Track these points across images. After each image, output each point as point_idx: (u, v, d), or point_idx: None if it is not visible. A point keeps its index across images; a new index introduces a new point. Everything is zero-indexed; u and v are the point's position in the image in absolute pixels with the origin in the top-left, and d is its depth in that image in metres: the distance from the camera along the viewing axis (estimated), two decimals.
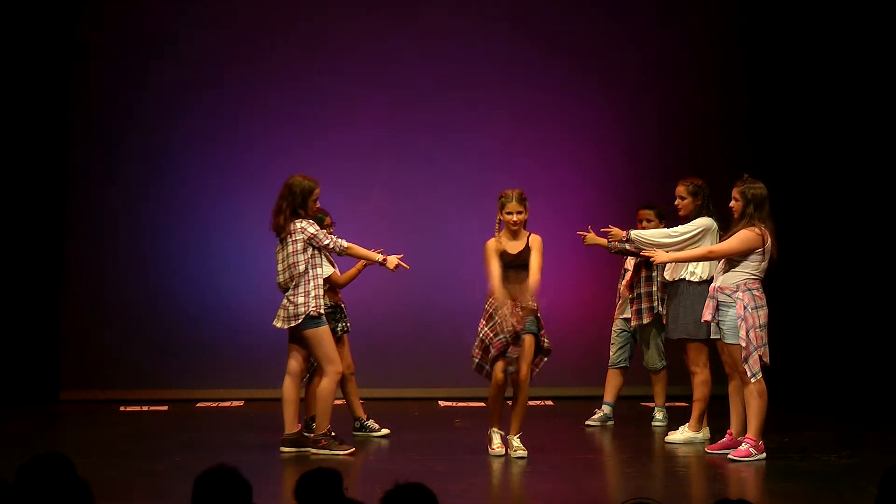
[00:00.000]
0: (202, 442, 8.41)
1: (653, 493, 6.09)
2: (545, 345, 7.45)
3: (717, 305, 7.32)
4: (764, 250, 7.29)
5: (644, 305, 8.55)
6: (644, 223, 8.62)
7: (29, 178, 9.70)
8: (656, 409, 8.83)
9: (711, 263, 7.74)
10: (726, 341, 7.31)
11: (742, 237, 7.27)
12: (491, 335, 7.30)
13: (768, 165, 10.12)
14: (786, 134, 10.33)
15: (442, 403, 9.83)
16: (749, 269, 7.28)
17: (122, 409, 9.53)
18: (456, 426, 8.82)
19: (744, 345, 7.16)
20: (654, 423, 8.74)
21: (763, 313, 7.25)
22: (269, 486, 6.14)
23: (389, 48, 10.31)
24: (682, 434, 7.98)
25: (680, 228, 7.92)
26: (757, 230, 7.27)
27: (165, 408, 9.48)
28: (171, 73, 10.13)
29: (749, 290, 7.23)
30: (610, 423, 8.73)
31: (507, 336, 7.24)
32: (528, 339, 7.31)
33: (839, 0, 10.09)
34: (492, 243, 7.45)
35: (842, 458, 7.20)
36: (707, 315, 7.38)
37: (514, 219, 7.37)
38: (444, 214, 10.20)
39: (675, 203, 8.09)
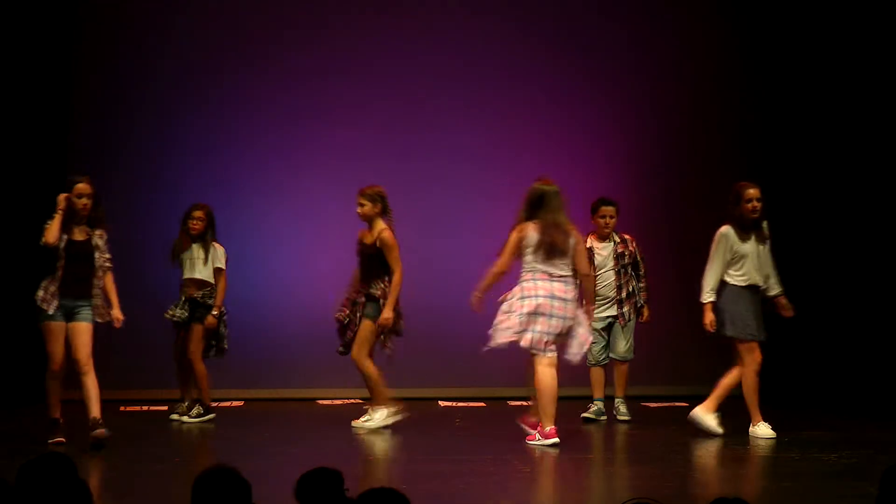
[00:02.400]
0: (203, 442, 8.42)
1: (653, 493, 6.09)
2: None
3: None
4: (526, 244, 7.73)
5: (640, 303, 8.96)
6: (608, 219, 8.82)
7: (29, 179, 9.70)
8: (621, 401, 8.89)
9: (755, 267, 8.09)
10: None
11: (507, 245, 7.85)
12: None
13: (768, 164, 10.12)
14: (786, 133, 10.33)
15: (442, 403, 9.83)
16: (524, 264, 7.80)
17: (122, 409, 9.53)
18: (456, 425, 8.81)
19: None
20: (620, 417, 8.82)
21: (528, 303, 7.70)
22: (268, 486, 6.13)
23: (389, 48, 10.32)
24: (763, 429, 8.12)
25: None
26: (516, 230, 7.79)
27: (165, 408, 9.47)
28: (170, 75, 10.14)
29: (520, 282, 7.80)
30: (603, 417, 8.91)
31: (342, 318, 8.23)
32: (365, 324, 8.22)
33: (839, 2, 10.10)
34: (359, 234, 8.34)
35: (842, 458, 7.20)
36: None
37: (357, 210, 8.26)
38: (444, 214, 10.20)
39: (752, 206, 8.08)
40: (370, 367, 8.29)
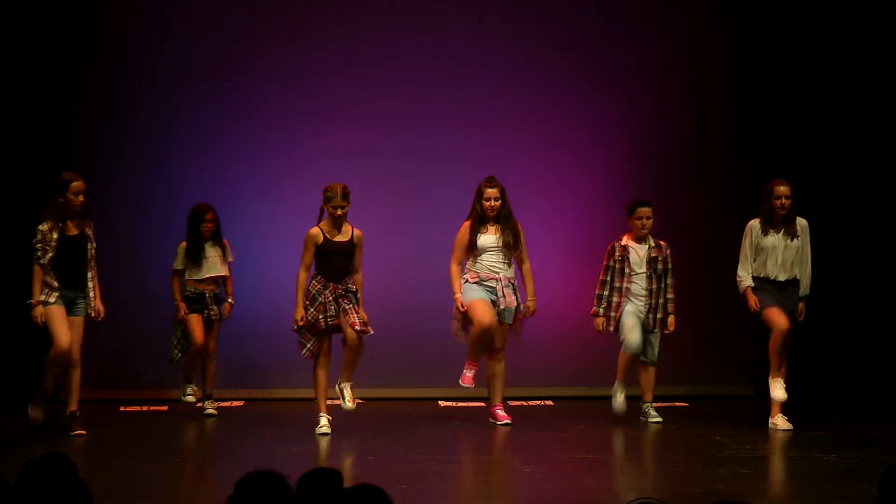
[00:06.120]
0: (203, 442, 8.43)
1: (653, 492, 6.09)
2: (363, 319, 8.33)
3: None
4: None
5: (668, 311, 8.84)
6: (644, 220, 8.73)
7: (29, 178, 9.70)
8: (649, 405, 8.84)
9: (775, 261, 8.39)
10: (510, 321, 8.59)
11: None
12: (318, 316, 8.16)
13: (770, 163, 10.11)
14: (789, 132, 10.31)
15: (442, 403, 9.83)
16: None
17: (122, 409, 9.54)
18: (456, 426, 8.79)
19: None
20: (652, 420, 8.76)
21: None
22: None
23: (389, 48, 10.31)
24: (777, 391, 8.38)
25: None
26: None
27: (165, 408, 9.48)
28: (170, 75, 10.13)
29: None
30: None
31: (330, 319, 8.15)
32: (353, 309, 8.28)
33: (840, 2, 10.10)
34: (314, 232, 8.31)
35: (842, 459, 7.20)
36: (513, 301, 8.57)
37: (339, 213, 8.23)
38: (443, 214, 10.18)
39: (781, 202, 8.37)
40: None
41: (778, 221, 8.42)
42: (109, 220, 10.01)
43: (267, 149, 10.20)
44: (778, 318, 8.37)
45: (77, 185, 8.04)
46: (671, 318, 8.85)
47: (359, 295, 8.35)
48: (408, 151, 10.27)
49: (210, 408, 9.15)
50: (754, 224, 8.47)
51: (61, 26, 9.95)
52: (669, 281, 8.86)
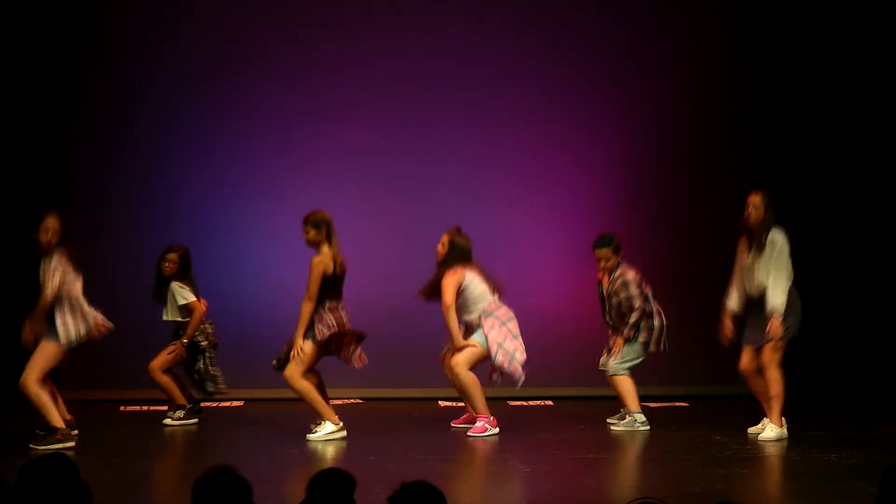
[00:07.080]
0: (202, 442, 8.43)
1: (653, 492, 6.09)
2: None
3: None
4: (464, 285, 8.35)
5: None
6: (602, 262, 8.54)
7: (29, 178, 9.71)
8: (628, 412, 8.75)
9: (743, 277, 7.96)
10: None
11: (449, 285, 8.32)
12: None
13: (770, 163, 10.12)
14: (789, 132, 10.32)
15: (442, 403, 9.83)
16: (479, 305, 8.36)
17: (122, 409, 9.53)
18: (451, 426, 8.81)
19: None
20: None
21: (513, 325, 8.39)
22: (269, 487, 6.14)
23: (389, 48, 10.32)
24: (772, 432, 7.95)
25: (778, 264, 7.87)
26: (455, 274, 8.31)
27: (165, 408, 9.47)
28: (171, 75, 10.14)
29: (486, 315, 8.37)
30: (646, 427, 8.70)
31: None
32: (304, 345, 7.96)
33: (840, 2, 10.10)
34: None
35: (842, 459, 7.20)
36: None
37: (303, 238, 8.03)
38: (444, 215, 10.19)
39: (748, 212, 7.94)
40: (302, 384, 8.04)
41: (753, 233, 7.92)
42: (109, 220, 10.03)
43: (267, 149, 10.20)
44: (743, 364, 8.09)
45: (43, 223, 7.74)
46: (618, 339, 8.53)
47: (320, 323, 7.97)
48: (408, 151, 10.27)
49: (169, 418, 8.85)
50: (743, 239, 8.07)
51: (61, 26, 9.96)
52: (631, 313, 8.48)
